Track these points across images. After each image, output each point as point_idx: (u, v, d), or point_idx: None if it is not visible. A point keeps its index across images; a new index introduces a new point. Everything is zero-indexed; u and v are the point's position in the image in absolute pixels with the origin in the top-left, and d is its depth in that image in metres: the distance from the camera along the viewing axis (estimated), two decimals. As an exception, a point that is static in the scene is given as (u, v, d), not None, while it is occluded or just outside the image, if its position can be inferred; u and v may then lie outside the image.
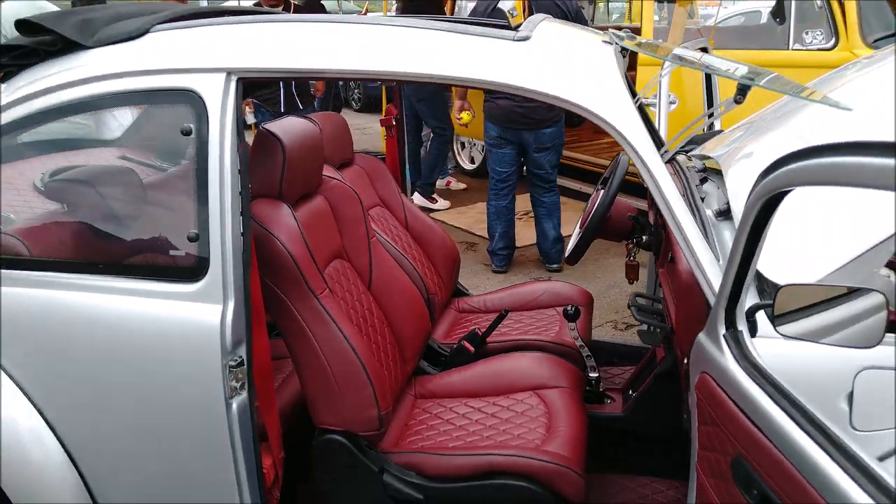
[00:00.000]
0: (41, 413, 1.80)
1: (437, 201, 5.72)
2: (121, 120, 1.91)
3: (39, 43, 1.79)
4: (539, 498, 1.77)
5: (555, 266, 4.42)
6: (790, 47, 4.09)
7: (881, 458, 1.46)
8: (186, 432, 1.72)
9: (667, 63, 2.19)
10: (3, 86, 1.85)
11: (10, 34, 3.57)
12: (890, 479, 0.94)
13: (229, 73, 1.60)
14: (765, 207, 1.11)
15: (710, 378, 1.33)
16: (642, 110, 1.67)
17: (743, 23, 5.84)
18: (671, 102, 3.88)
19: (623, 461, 2.35)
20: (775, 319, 1.29)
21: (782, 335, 1.29)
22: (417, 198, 5.55)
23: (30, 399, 1.80)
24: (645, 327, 2.82)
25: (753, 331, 1.36)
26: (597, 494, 2.22)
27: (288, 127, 1.89)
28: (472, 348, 2.35)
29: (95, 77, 1.72)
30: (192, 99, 1.60)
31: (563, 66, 1.57)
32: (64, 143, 1.95)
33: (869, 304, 1.26)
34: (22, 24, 1.82)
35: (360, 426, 1.83)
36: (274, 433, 1.85)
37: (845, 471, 0.97)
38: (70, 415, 1.80)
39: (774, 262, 1.53)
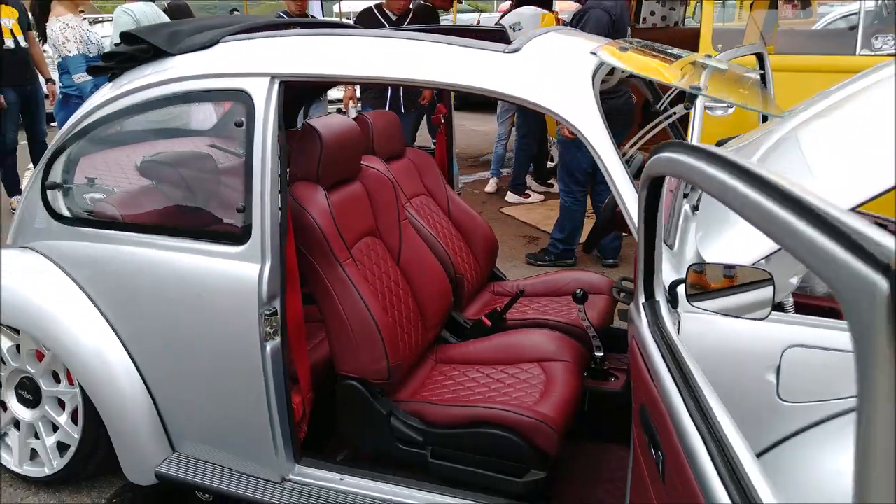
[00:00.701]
0: (124, 345, 2.27)
1: (530, 195, 6.06)
2: (196, 114, 2.34)
3: (137, 50, 2.25)
4: (518, 447, 2.04)
5: (610, 261, 4.61)
6: (857, 52, 4.08)
7: (804, 429, 1.65)
8: (230, 366, 2.12)
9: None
10: (110, 84, 2.34)
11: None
12: (727, 433, 1.15)
13: (273, 77, 1.99)
14: (649, 191, 1.35)
15: (634, 341, 1.57)
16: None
17: (813, 27, 5.75)
18: (728, 106, 3.98)
19: (623, 434, 2.57)
20: (697, 295, 1.52)
21: (695, 308, 1.51)
22: (511, 196, 5.95)
23: (116, 334, 2.28)
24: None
25: (675, 303, 1.59)
26: (596, 463, 2.47)
27: (329, 122, 2.26)
28: (489, 323, 2.64)
29: (177, 78, 2.16)
30: (244, 97, 2.00)
31: (541, 75, 1.83)
32: (154, 133, 2.40)
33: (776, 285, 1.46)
34: (125, 36, 2.29)
35: (372, 374, 2.16)
36: (304, 377, 2.23)
37: (695, 424, 1.19)
38: (144, 347, 2.26)
39: (716, 247, 1.75)
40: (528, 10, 3.16)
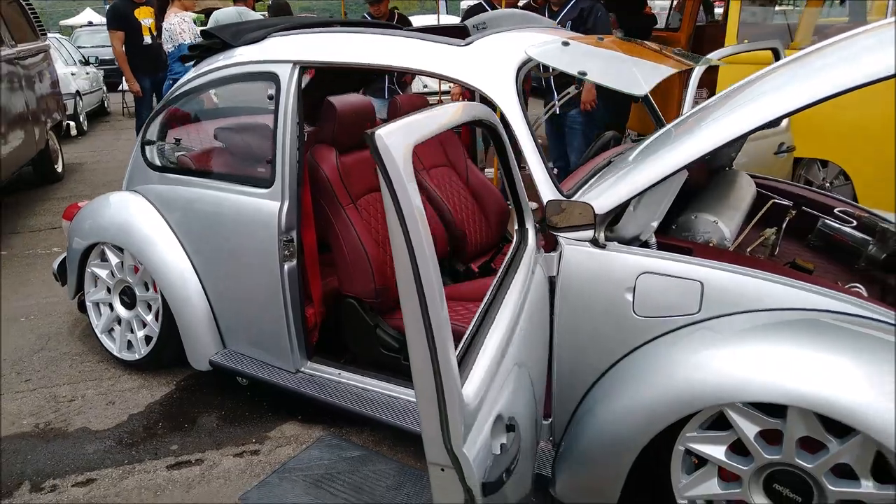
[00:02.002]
0: (190, 260, 3.04)
1: None
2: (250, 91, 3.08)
3: (212, 43, 3.01)
4: None
5: None
6: None
7: (653, 339, 2.12)
8: (260, 281, 2.83)
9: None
10: (193, 69, 3.12)
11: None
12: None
13: (294, 63, 2.67)
14: (495, 143, 1.90)
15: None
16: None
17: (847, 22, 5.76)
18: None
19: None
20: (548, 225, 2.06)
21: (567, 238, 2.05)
22: None
23: (186, 252, 3.06)
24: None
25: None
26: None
27: (346, 100, 2.91)
28: (476, 269, 3.21)
29: (235, 64, 2.89)
30: (275, 78, 2.70)
31: (480, 64, 2.39)
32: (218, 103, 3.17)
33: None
34: (204, 33, 3.06)
35: (364, 294, 2.80)
36: (316, 294, 2.91)
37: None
38: (202, 262, 3.02)
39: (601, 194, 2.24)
40: (498, 12, 3.62)
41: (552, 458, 2.31)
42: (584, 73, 2.20)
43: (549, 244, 2.22)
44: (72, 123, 9.66)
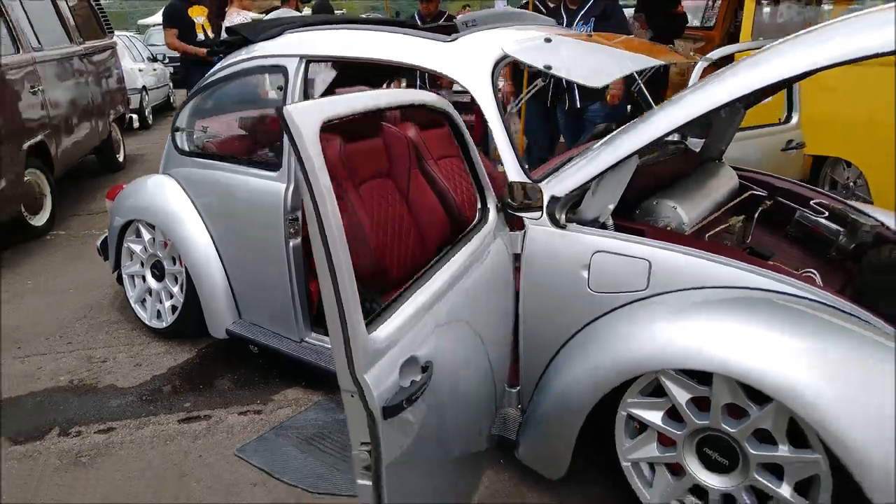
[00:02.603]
0: (212, 237, 3.33)
1: None
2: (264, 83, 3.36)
3: (235, 40, 3.30)
4: None
5: None
6: None
7: (606, 313, 2.27)
8: (269, 257, 3.08)
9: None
10: (220, 62, 3.41)
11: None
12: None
13: (301, 57, 2.93)
14: (455, 132, 2.09)
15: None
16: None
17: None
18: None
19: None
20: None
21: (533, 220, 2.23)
22: None
23: (208, 229, 3.35)
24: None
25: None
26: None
27: (351, 91, 3.15)
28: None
29: (254, 57, 3.17)
30: (284, 70, 2.96)
31: (461, 58, 2.59)
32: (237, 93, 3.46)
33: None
34: (228, 30, 3.35)
35: (360, 268, 3.02)
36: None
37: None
38: (221, 239, 3.31)
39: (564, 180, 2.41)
40: (495, 11, 3.75)
41: (519, 423, 2.49)
42: (549, 67, 2.38)
43: (518, 224, 2.40)
44: (134, 116, 10.28)
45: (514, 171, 2.41)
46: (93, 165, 7.74)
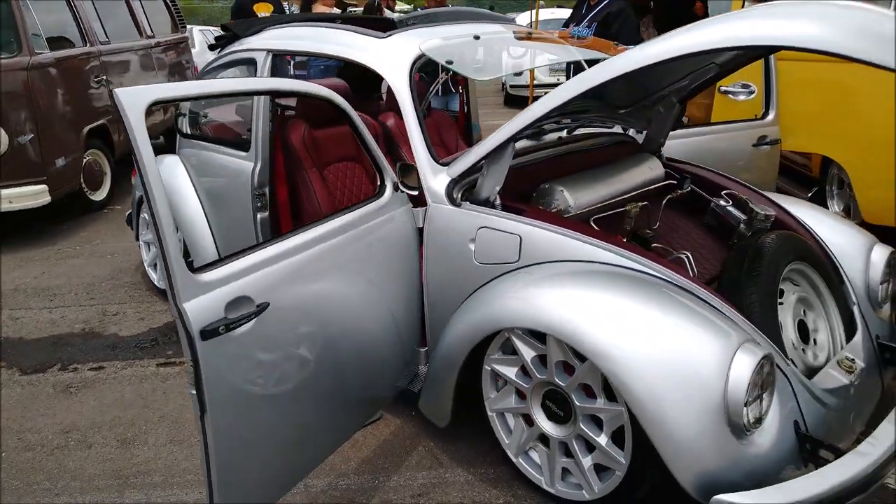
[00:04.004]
0: (203, 209, 3.80)
1: None
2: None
3: (228, 35, 3.75)
4: None
5: None
6: None
7: (487, 283, 2.55)
8: (242, 226, 3.51)
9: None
10: (217, 53, 3.87)
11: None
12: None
13: (268, 51, 3.33)
14: (351, 124, 2.42)
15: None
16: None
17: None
18: (750, 92, 4.45)
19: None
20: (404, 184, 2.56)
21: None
22: None
23: (200, 201, 3.82)
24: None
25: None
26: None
27: (320, 83, 3.53)
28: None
29: (238, 50, 3.61)
30: (254, 62, 3.38)
31: (387, 53, 2.91)
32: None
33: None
34: (222, 27, 3.81)
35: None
36: (287, 240, 3.56)
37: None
38: (211, 210, 3.76)
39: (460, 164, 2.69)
40: (442, 9, 3.95)
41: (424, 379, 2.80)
42: (451, 62, 2.68)
43: (423, 201, 2.71)
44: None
45: (423, 157, 2.73)
46: (161, 148, 8.49)
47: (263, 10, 7.16)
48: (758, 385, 1.97)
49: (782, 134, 4.43)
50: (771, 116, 4.18)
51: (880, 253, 2.81)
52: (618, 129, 3.50)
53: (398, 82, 2.82)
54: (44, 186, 5.41)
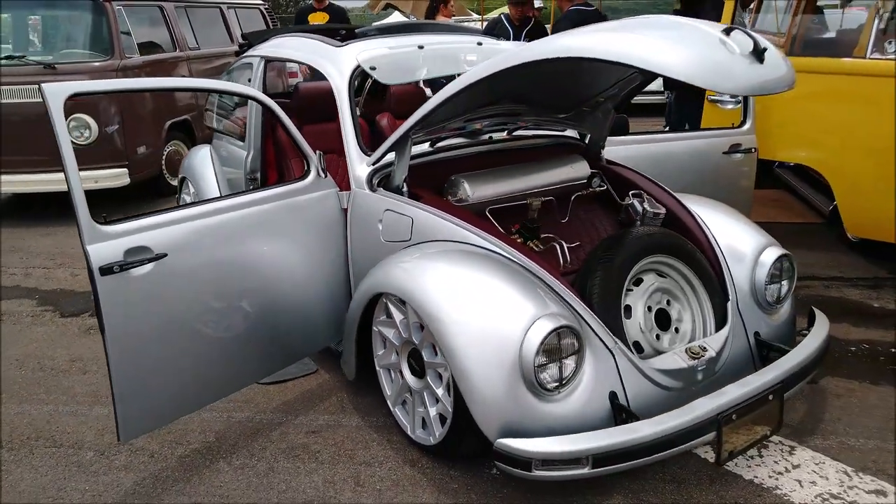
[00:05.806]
0: (219, 188, 4.45)
1: None
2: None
3: (247, 43, 4.39)
4: None
5: None
6: (868, 56, 4.16)
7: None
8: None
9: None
10: (239, 57, 4.52)
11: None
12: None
13: (262, 57, 3.92)
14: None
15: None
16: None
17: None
18: (737, 101, 4.58)
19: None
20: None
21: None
22: None
23: (218, 184, 4.47)
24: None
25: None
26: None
27: (310, 86, 4.07)
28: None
29: (248, 55, 4.22)
30: (251, 67, 3.97)
31: (339, 60, 3.39)
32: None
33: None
34: (243, 35, 4.45)
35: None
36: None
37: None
38: (222, 180, 4.42)
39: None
40: (402, 21, 4.22)
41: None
42: (374, 69, 3.13)
43: (348, 186, 3.17)
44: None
45: (352, 148, 3.20)
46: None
47: (317, 20, 7.76)
48: (553, 350, 2.28)
49: (770, 143, 4.52)
50: (748, 125, 4.29)
51: (770, 254, 2.96)
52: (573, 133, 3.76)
53: (339, 85, 3.31)
54: (125, 170, 6.35)
